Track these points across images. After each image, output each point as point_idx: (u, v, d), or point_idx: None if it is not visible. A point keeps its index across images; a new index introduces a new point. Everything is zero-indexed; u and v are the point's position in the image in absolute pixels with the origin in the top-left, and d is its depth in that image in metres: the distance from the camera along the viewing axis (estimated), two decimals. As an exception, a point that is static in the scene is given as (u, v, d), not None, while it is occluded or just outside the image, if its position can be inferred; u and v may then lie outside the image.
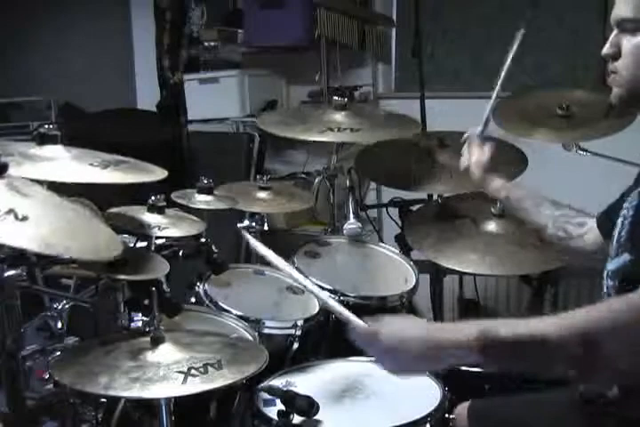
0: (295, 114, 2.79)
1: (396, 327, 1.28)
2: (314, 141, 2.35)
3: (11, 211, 1.27)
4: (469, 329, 1.16)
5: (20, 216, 1.27)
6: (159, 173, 1.71)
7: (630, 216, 1.38)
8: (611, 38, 1.39)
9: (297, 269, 2.29)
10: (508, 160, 2.57)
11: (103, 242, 1.40)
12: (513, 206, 1.83)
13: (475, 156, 1.86)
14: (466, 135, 1.93)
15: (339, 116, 2.44)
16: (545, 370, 1.18)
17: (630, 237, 1.36)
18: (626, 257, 1.35)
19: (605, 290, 1.42)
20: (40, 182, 1.47)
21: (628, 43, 1.36)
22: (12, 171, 1.39)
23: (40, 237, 1.26)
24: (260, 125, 2.60)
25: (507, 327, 1.14)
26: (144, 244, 1.95)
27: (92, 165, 1.59)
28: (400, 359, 1.26)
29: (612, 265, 1.40)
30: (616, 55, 1.38)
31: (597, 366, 1.09)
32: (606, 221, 1.59)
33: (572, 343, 1.08)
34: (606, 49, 1.40)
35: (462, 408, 1.72)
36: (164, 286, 1.66)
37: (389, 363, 1.31)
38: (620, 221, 1.42)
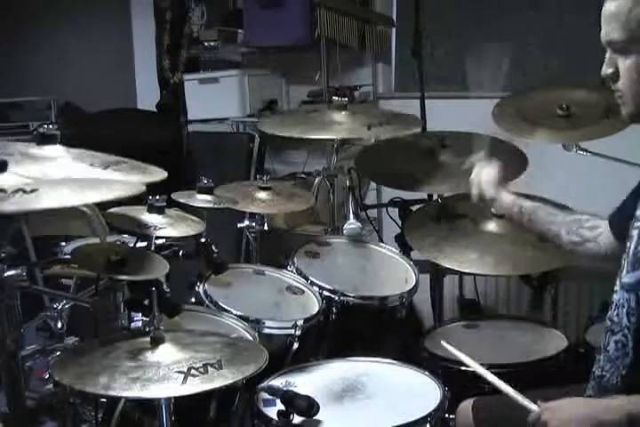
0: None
1: (566, 413, 1.37)
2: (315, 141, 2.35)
3: (19, 190, 1.28)
4: (620, 409, 1.31)
5: (28, 190, 1.28)
6: (159, 174, 1.71)
7: None
8: (607, 59, 1.39)
9: (297, 269, 2.30)
10: (508, 160, 2.57)
11: (121, 188, 1.41)
12: (527, 220, 1.77)
13: (483, 177, 1.84)
14: (468, 164, 1.92)
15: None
16: None
17: None
18: None
19: (619, 301, 1.41)
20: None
21: (622, 64, 1.37)
22: (12, 169, 1.40)
23: (57, 196, 1.27)
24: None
25: None
26: (144, 244, 1.96)
27: (92, 165, 1.59)
28: None
29: (627, 278, 1.39)
30: (615, 76, 1.38)
31: None
32: (619, 220, 1.56)
33: None
34: (604, 70, 1.40)
35: (467, 405, 1.72)
36: (164, 286, 1.66)
37: None
38: (635, 233, 1.41)
